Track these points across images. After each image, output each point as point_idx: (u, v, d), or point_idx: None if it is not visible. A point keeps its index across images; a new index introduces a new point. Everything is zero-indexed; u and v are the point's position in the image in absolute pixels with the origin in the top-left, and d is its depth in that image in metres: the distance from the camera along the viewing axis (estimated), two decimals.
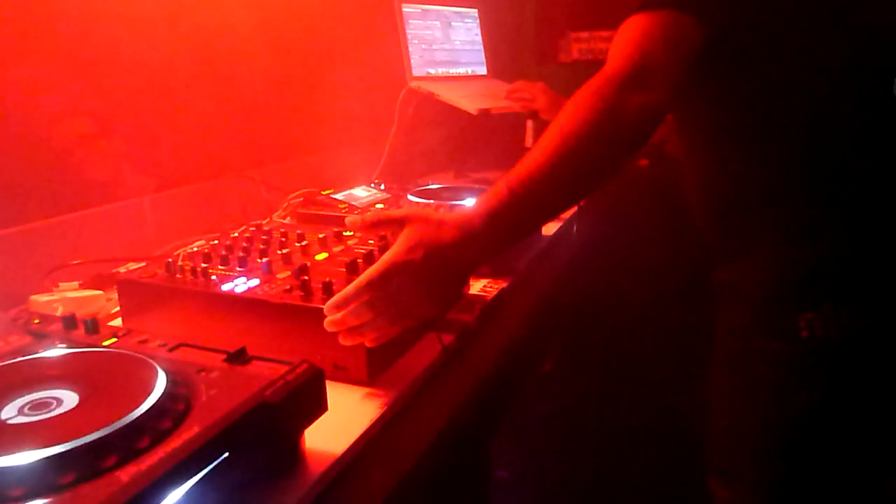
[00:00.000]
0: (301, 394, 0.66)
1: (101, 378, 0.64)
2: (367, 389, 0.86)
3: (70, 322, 0.79)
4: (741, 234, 1.09)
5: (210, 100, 1.53)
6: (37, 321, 0.82)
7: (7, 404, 0.60)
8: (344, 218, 1.31)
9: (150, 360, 0.66)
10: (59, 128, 1.21)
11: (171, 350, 0.72)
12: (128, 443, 0.54)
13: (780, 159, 1.03)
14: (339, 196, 1.46)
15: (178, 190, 1.44)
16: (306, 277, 0.90)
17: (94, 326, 0.78)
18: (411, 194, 1.45)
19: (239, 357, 0.70)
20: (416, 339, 0.98)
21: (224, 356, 0.70)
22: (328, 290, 0.87)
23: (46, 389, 0.62)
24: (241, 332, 0.91)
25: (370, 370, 0.86)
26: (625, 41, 0.95)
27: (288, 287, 0.91)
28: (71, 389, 0.62)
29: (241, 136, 1.65)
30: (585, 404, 2.05)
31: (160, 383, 0.61)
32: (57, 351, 0.71)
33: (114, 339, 0.76)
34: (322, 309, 0.84)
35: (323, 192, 1.48)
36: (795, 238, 1.04)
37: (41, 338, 0.77)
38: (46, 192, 1.21)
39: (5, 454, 0.51)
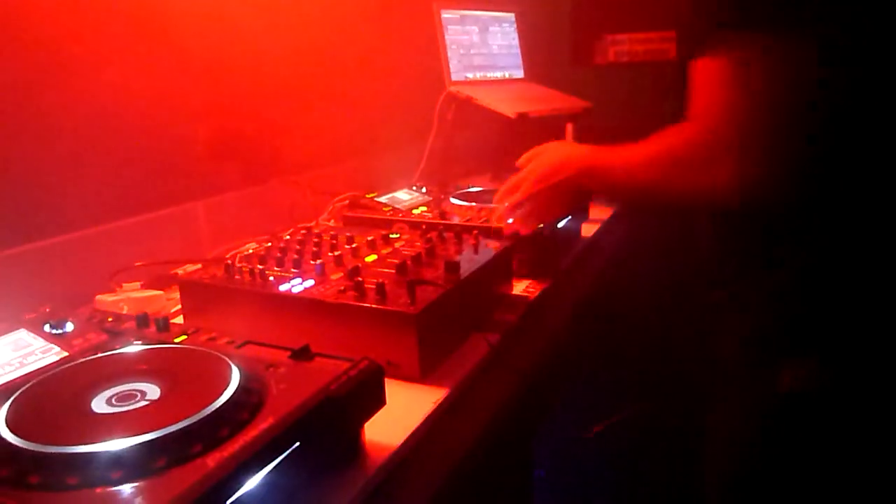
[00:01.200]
0: (362, 389, 0.70)
1: (180, 372, 0.68)
2: (419, 385, 0.89)
3: (143, 320, 0.85)
4: (749, 263, 1.00)
5: (258, 108, 1.59)
6: (110, 319, 0.88)
7: (96, 396, 0.65)
8: (389, 220, 1.37)
9: (223, 356, 0.70)
10: (123, 137, 1.27)
11: (238, 347, 0.77)
12: (211, 431, 0.58)
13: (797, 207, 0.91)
14: (382, 199, 1.51)
15: (229, 195, 1.50)
16: (360, 279, 0.94)
17: (165, 325, 0.83)
18: (453, 197, 1.49)
19: (303, 354, 0.74)
20: (463, 339, 1.01)
21: (289, 353, 0.75)
22: (381, 292, 0.91)
23: (130, 382, 0.67)
24: (298, 330, 0.95)
25: (422, 366, 0.90)
26: (709, 96, 0.86)
27: (342, 288, 0.95)
28: (152, 382, 0.66)
29: (288, 142, 1.70)
30: (621, 404, 2.06)
31: (235, 378, 0.66)
32: (135, 347, 0.76)
33: (184, 337, 0.81)
34: (374, 308, 0.89)
35: (367, 196, 1.53)
36: (790, 286, 0.93)
37: (116, 335, 0.83)
38: (109, 198, 1.27)
39: (103, 441, 0.56)
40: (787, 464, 0.93)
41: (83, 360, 0.73)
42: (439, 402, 0.86)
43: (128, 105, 1.28)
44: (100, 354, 0.74)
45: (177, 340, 0.80)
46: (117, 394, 0.65)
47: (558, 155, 1.16)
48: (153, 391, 0.65)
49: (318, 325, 0.94)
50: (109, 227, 1.27)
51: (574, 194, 1.17)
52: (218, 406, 0.61)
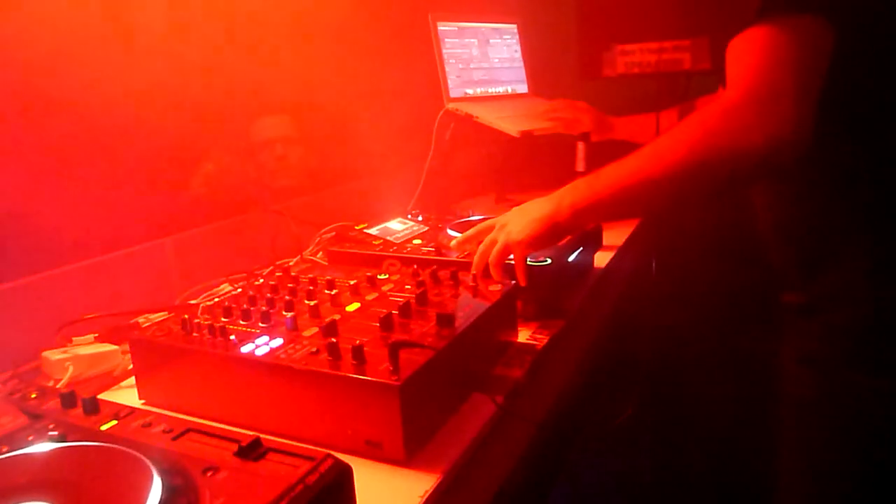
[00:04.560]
0: (325, 498, 0.55)
1: (88, 485, 0.54)
2: (404, 470, 0.74)
3: (68, 400, 0.70)
4: (835, 257, 0.96)
5: (237, 129, 1.45)
6: (34, 395, 0.74)
7: None
8: (378, 256, 1.23)
9: (147, 461, 0.55)
10: (75, 167, 1.14)
11: (175, 438, 0.62)
12: None
13: None
14: (372, 231, 1.36)
15: (202, 228, 1.36)
16: (334, 339, 0.79)
17: (92, 406, 0.69)
18: (450, 227, 1.34)
19: (252, 450, 0.59)
20: (458, 404, 0.86)
21: (236, 447, 0.60)
22: (359, 355, 0.76)
23: (24, 503, 0.52)
24: (262, 399, 0.81)
25: (407, 445, 0.75)
26: (745, 63, 0.84)
27: (314, 349, 0.80)
28: (51, 502, 0.52)
29: (271, 165, 1.56)
30: (644, 443, 1.90)
31: (155, 494, 0.51)
32: (41, 447, 0.61)
33: (113, 423, 0.66)
34: (349, 377, 0.74)
35: (356, 227, 1.38)
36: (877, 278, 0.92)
37: (35, 418, 0.68)
38: (63, 238, 1.13)
39: None
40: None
41: None
42: (427, 494, 0.70)
43: (84, 127, 1.14)
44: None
45: (104, 427, 0.65)
46: None
47: (531, 202, 1.07)
48: None
49: (285, 394, 0.79)
50: (63, 270, 1.13)
51: (553, 230, 1.02)
52: None
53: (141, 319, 1.11)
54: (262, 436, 0.61)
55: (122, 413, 0.68)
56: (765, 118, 0.80)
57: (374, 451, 0.75)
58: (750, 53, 0.84)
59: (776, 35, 0.83)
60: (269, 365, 0.79)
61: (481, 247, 1.08)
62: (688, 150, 0.86)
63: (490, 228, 1.10)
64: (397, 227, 1.42)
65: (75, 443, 0.61)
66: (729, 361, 1.83)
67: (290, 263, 1.30)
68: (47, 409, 0.70)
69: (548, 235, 1.02)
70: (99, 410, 0.69)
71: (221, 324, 0.88)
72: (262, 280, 1.08)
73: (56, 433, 0.64)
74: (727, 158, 0.84)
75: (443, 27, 1.83)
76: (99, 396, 0.93)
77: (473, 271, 1.06)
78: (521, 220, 1.04)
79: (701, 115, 0.88)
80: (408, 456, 0.75)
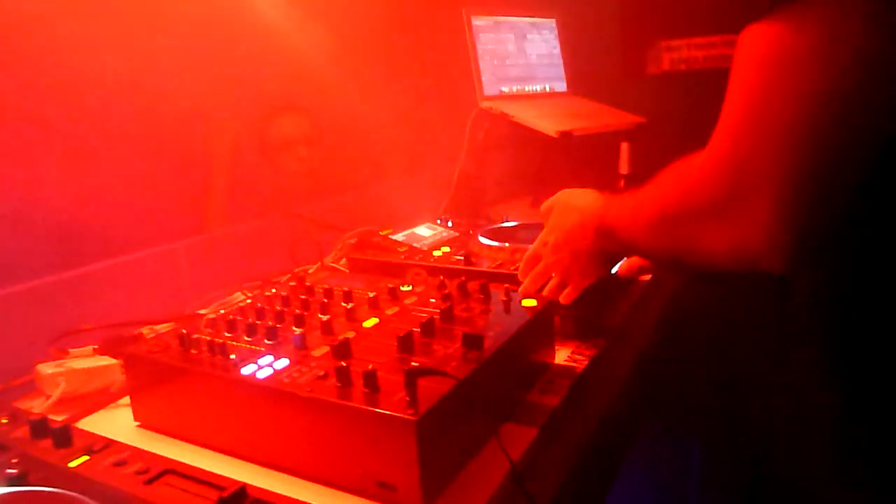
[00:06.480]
0: None
1: None
2: None
3: (39, 429, 0.62)
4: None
5: (257, 126, 1.37)
6: (5, 421, 0.66)
7: None
8: (403, 264, 1.13)
9: None
10: (80, 166, 1.06)
11: (149, 482, 0.53)
12: None
13: None
14: (398, 237, 1.27)
15: (218, 232, 1.27)
16: (344, 363, 0.69)
17: (64, 438, 0.60)
18: (482, 235, 1.24)
19: (235, 502, 0.49)
20: (486, 438, 0.75)
21: (216, 497, 0.50)
22: (371, 382, 0.66)
23: None
24: (263, 428, 0.71)
25: (425, 489, 0.64)
26: (739, 86, 0.55)
27: (322, 373, 0.71)
28: None
29: (293, 166, 1.48)
30: (687, 469, 1.76)
31: None
32: None
33: (84, 458, 0.57)
34: (359, 409, 0.64)
35: (381, 233, 1.29)
36: None
37: (2, 449, 0.60)
38: (66, 241, 1.06)
39: None
40: None
41: None
42: None
43: (90, 124, 1.07)
44: None
45: (73, 464, 0.57)
46: None
47: (570, 219, 0.95)
48: None
49: (288, 424, 0.70)
50: (66, 275, 1.06)
51: (603, 256, 0.93)
52: None
53: (145, 330, 1.03)
54: (250, 483, 0.51)
55: (97, 446, 0.59)
56: (733, 214, 0.55)
57: (388, 495, 0.65)
58: (748, 68, 0.55)
59: (787, 43, 0.51)
60: (269, 390, 0.70)
61: (529, 279, 0.99)
62: (669, 242, 0.69)
63: (537, 259, 0.99)
64: (425, 232, 1.32)
65: (26, 488, 0.52)
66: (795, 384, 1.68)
67: (310, 271, 1.21)
68: (16, 438, 0.62)
69: (602, 267, 0.96)
70: (71, 443, 0.60)
71: (223, 340, 0.79)
72: (273, 290, 0.99)
73: (16, 471, 0.55)
74: (694, 243, 0.63)
75: (477, 21, 1.73)
76: (92, 415, 0.87)
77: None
78: (568, 255, 0.94)
79: (686, 165, 0.64)
80: (426, 501, 0.64)
